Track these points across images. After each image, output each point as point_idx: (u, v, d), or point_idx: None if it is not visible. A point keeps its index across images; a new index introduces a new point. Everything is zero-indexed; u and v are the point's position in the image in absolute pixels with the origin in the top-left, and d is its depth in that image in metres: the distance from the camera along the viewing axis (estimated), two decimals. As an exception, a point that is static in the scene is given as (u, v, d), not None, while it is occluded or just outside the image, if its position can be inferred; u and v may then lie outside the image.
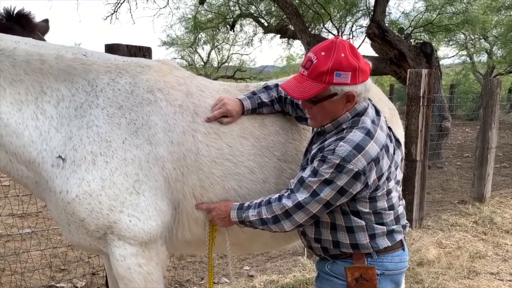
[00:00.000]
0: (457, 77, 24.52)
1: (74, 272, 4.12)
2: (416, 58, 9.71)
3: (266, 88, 2.29)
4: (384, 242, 1.88)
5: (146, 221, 2.02)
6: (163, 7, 14.18)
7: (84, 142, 1.98)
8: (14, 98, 1.96)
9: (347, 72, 1.72)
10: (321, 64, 1.73)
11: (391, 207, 1.88)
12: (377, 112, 1.90)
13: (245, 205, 1.99)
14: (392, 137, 1.94)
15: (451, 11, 11.88)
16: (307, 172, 1.81)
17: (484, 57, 23.96)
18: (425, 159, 5.15)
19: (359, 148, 1.72)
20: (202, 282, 4.05)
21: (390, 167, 1.84)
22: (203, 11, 15.48)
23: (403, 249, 1.94)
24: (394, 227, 1.89)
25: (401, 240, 1.93)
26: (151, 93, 2.15)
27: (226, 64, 26.88)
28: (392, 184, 1.87)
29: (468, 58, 24.15)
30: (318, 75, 1.74)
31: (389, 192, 1.86)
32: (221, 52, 25.78)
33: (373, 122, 1.81)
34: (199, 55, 26.14)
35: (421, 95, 4.95)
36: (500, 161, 10.39)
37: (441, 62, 23.74)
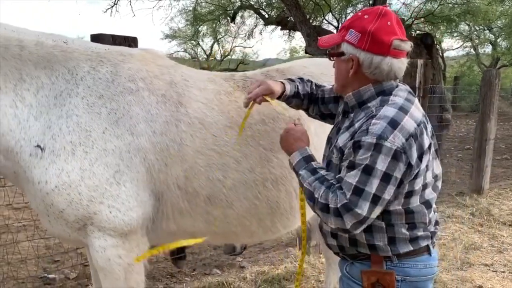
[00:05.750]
0: (461, 68, 24.35)
1: (67, 264, 4.13)
2: (416, 49, 9.57)
3: (302, 80, 2.06)
4: (405, 247, 1.65)
5: (126, 212, 2.00)
6: (162, -1, 14.06)
7: (64, 132, 1.96)
8: None
9: (358, 33, 1.61)
10: (347, 20, 1.69)
11: (427, 205, 1.64)
12: (411, 94, 1.71)
13: (312, 163, 1.68)
14: (429, 123, 1.71)
15: (452, 1, 11.74)
16: (344, 170, 1.58)
17: (488, 49, 23.78)
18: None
19: (394, 123, 1.53)
20: (193, 273, 4.05)
21: (429, 152, 1.62)
22: (203, 3, 15.38)
23: (430, 254, 1.70)
24: (421, 233, 1.65)
25: (427, 244, 1.69)
26: (132, 82, 2.13)
27: (229, 57, 26.76)
28: (429, 176, 1.64)
29: (472, 50, 23.96)
30: (340, 29, 1.69)
31: (425, 186, 1.63)
32: (223, 45, 25.67)
33: (406, 99, 1.63)
34: (202, 48, 26.04)
35: (417, 86, 4.89)
36: (501, 153, 10.34)
37: (446, 54, 23.54)
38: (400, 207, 1.60)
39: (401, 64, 1.64)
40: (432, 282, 1.76)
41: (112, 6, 13.82)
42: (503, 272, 4.08)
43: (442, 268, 4.05)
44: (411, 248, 1.65)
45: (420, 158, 1.56)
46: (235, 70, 24.03)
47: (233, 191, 2.22)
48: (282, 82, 1.99)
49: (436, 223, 1.75)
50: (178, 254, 3.98)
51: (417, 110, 1.64)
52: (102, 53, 2.16)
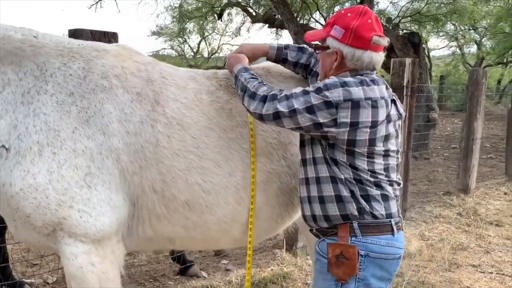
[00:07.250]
0: (447, 68, 24.52)
1: (46, 268, 3.98)
2: (403, 48, 9.61)
3: (300, 49, 2.26)
4: (368, 208, 1.80)
5: (98, 217, 1.88)
6: (148, -5, 13.88)
7: (30, 131, 1.83)
8: None
9: (342, 29, 1.82)
10: (331, 17, 1.91)
11: (372, 172, 1.81)
12: (381, 81, 1.87)
13: (252, 72, 2.01)
14: (395, 107, 1.88)
15: (439, 0, 11.76)
16: None
17: (473, 48, 23.99)
18: (408, 150, 5.05)
19: (344, 84, 1.75)
20: (177, 276, 3.93)
21: (375, 127, 1.76)
22: (190, 0, 15.21)
23: (393, 234, 1.81)
24: (376, 192, 1.80)
25: (390, 224, 1.82)
26: (106, 79, 2.01)
27: (217, 54, 26.53)
28: (379, 149, 1.80)
29: (458, 49, 24.14)
30: (325, 25, 1.91)
31: (371, 156, 1.80)
32: (211, 43, 25.45)
33: (372, 81, 1.81)
34: (189, 46, 25.78)
35: (405, 85, 4.83)
36: (487, 152, 10.38)
37: (432, 53, 23.70)
38: (346, 161, 1.80)
39: (379, 57, 1.85)
40: (399, 265, 1.89)
41: (97, 2, 13.61)
42: (491, 273, 4.04)
43: (430, 270, 4.00)
44: (375, 213, 1.80)
45: (353, 125, 1.73)
46: (223, 67, 23.81)
47: (213, 195, 2.11)
48: (268, 46, 2.25)
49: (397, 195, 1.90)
50: (184, 263, 3.90)
51: (377, 91, 1.79)
52: (75, 49, 2.03)
